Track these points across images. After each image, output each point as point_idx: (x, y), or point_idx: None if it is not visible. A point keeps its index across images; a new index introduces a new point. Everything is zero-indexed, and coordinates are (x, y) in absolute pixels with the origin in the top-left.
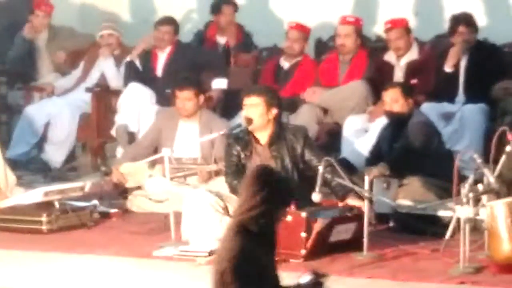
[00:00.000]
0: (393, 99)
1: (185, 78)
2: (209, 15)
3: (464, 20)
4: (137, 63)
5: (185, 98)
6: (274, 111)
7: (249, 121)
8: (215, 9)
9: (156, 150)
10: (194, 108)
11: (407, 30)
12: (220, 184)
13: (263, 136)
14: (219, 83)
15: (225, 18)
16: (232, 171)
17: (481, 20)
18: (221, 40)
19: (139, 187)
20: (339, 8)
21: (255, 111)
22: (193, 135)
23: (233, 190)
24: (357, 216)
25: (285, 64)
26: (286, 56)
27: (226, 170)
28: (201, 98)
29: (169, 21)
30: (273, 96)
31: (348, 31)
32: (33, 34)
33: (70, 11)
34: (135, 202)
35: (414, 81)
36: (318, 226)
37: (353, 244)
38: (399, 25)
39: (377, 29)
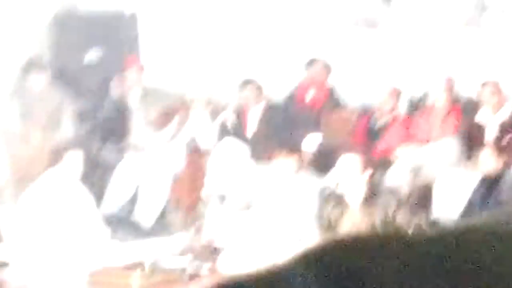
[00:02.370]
0: (486, 158)
1: (282, 138)
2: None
3: None
4: (230, 122)
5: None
6: (368, 172)
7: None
8: (308, 65)
9: None
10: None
11: (500, 88)
12: None
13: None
14: (312, 140)
15: (315, 73)
16: None
17: None
18: (308, 96)
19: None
20: (431, 68)
21: (349, 170)
22: None
23: None
24: None
25: (377, 122)
26: (378, 114)
27: None
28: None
29: (251, 81)
30: (369, 157)
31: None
32: (123, 92)
33: (159, 73)
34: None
35: (507, 139)
36: None
37: None
38: (494, 83)
39: (469, 90)
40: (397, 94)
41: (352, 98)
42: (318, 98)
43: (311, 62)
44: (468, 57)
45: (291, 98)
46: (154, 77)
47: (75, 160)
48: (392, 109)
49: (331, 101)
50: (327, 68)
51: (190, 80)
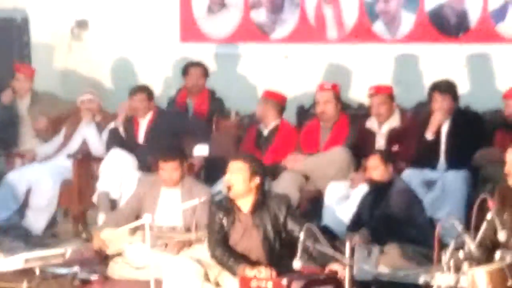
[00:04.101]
0: (374, 166)
1: (169, 148)
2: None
3: (440, 88)
4: (121, 129)
5: (171, 169)
6: (257, 180)
7: (229, 188)
8: (184, 71)
9: (138, 217)
10: (179, 177)
11: (391, 97)
12: (201, 251)
13: (245, 203)
14: (201, 150)
15: (191, 80)
16: (215, 239)
17: (463, 88)
18: (190, 103)
19: (120, 254)
20: (320, 76)
21: (238, 176)
22: (176, 202)
23: (216, 259)
24: (334, 279)
25: (264, 130)
26: (262, 122)
27: (208, 238)
28: (186, 165)
29: (141, 89)
30: (258, 165)
31: (327, 97)
32: (13, 100)
33: (52, 77)
34: (116, 269)
35: (395, 148)
36: None
37: None
38: (383, 91)
39: (359, 96)
40: (277, 101)
41: (237, 104)
42: (199, 103)
43: (188, 66)
44: (358, 62)
45: (171, 104)
46: (46, 82)
47: None
48: (274, 117)
49: (214, 105)
50: (205, 72)
51: (81, 87)
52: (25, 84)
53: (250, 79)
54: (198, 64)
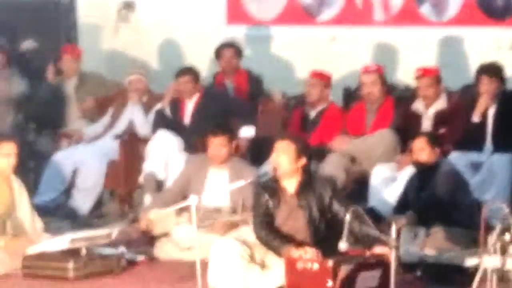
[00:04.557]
0: (420, 149)
1: (218, 124)
2: None
3: (487, 71)
4: (167, 111)
5: (219, 144)
6: (303, 160)
7: (276, 168)
8: (217, 54)
9: (185, 198)
10: (227, 154)
11: (438, 79)
12: (247, 232)
13: (291, 184)
14: (247, 131)
15: (224, 62)
16: (260, 221)
17: (509, 71)
18: (229, 84)
19: (166, 235)
20: (366, 58)
21: (284, 156)
22: (223, 182)
23: (261, 240)
24: (382, 263)
25: (311, 112)
26: (310, 104)
27: (254, 220)
28: (234, 144)
29: (188, 71)
30: (304, 145)
31: (372, 79)
32: (60, 80)
33: (99, 59)
34: (162, 250)
35: (442, 130)
36: (342, 273)
37: None
38: (431, 74)
39: (406, 79)
40: (325, 83)
41: (283, 86)
42: (238, 85)
43: (222, 47)
44: (404, 45)
45: (210, 88)
46: (93, 64)
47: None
48: (323, 99)
49: (252, 85)
50: (238, 53)
51: (128, 68)
52: (73, 64)
53: (296, 62)
54: (230, 45)
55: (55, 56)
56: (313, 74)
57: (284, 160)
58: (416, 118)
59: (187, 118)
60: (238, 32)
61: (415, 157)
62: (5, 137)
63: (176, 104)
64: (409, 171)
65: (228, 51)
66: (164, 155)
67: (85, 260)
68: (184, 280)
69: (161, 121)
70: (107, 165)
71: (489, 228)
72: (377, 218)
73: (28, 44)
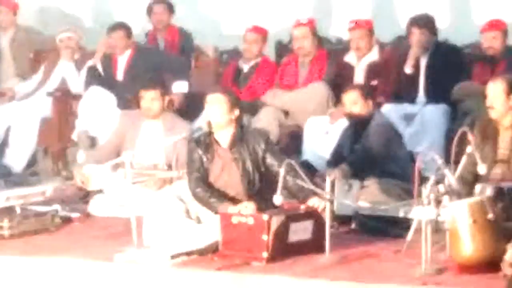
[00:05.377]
0: (352, 101)
1: (150, 78)
2: None
3: (417, 22)
4: (99, 67)
5: (151, 98)
6: (237, 111)
7: (210, 122)
8: (148, 11)
9: (119, 154)
10: (159, 108)
11: (370, 32)
12: (182, 187)
13: (225, 138)
14: (180, 87)
15: (156, 18)
16: (195, 177)
17: (442, 22)
18: (161, 41)
19: (100, 191)
20: (300, 11)
21: (218, 108)
22: (157, 135)
23: (196, 197)
24: (312, 214)
25: (244, 66)
26: (245, 58)
27: (188, 176)
28: (166, 99)
29: (119, 26)
30: (236, 97)
31: (304, 33)
32: None
33: (31, 13)
34: (97, 207)
35: (374, 82)
36: (273, 225)
37: (314, 246)
38: (363, 26)
39: (338, 31)
40: (262, 37)
41: (223, 41)
42: (170, 40)
43: (153, 3)
44: None
45: (145, 42)
46: (24, 18)
47: None
48: (258, 53)
49: (183, 41)
50: (169, 9)
51: (61, 23)
52: (8, 17)
53: (228, 16)
54: (161, 1)
55: None
56: (253, 29)
57: (217, 110)
58: (349, 70)
59: (119, 74)
60: None
61: (348, 109)
62: None
63: (109, 60)
64: (342, 124)
65: (159, 7)
66: (97, 111)
67: (19, 219)
68: (119, 237)
69: (93, 78)
70: (40, 123)
71: (422, 180)
72: (311, 171)
73: None
